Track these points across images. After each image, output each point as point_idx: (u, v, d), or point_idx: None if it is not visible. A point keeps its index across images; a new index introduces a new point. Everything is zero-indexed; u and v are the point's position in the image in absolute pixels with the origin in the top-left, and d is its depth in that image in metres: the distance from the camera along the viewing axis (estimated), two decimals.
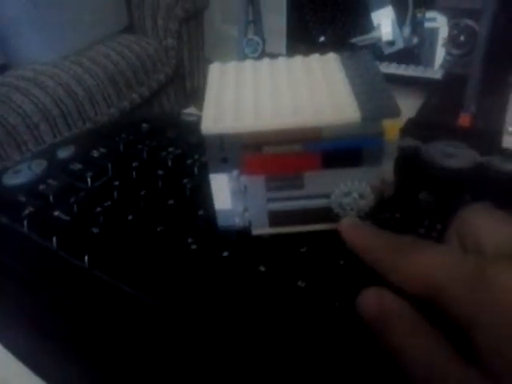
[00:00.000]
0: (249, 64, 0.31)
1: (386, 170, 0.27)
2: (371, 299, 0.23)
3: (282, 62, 0.31)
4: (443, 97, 0.60)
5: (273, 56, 0.33)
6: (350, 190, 0.27)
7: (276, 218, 0.28)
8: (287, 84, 0.28)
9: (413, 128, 0.52)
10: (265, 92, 0.28)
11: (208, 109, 0.27)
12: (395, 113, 0.25)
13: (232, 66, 0.31)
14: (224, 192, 0.27)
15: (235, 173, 0.27)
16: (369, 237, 0.25)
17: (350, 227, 0.27)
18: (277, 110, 0.26)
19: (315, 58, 0.31)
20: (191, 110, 0.56)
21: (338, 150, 0.26)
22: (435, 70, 0.61)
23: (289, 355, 0.23)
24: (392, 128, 0.25)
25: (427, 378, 0.19)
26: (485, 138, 0.50)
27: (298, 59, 0.31)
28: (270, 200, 0.28)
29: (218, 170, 0.27)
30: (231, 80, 0.29)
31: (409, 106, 0.59)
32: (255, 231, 0.29)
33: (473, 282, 0.19)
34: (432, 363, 0.19)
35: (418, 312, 0.21)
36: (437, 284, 0.21)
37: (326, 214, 0.28)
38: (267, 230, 0.29)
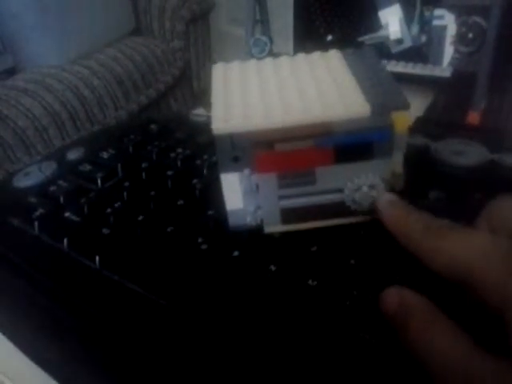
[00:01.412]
0: (252, 63, 0.31)
1: (397, 162, 0.27)
2: (392, 295, 0.23)
3: (284, 60, 0.31)
4: (452, 95, 0.60)
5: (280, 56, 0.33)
6: (362, 183, 0.27)
7: (288, 215, 0.28)
8: (292, 81, 0.28)
9: (422, 126, 0.52)
10: (271, 90, 0.28)
11: (217, 109, 0.27)
12: (404, 105, 0.26)
13: (235, 65, 0.31)
14: (235, 192, 0.27)
15: (247, 171, 0.27)
16: (405, 217, 0.25)
17: (387, 205, 0.27)
18: (286, 107, 0.26)
19: (317, 55, 0.31)
20: (200, 110, 0.56)
21: (349, 145, 0.26)
22: (444, 67, 0.61)
23: (300, 354, 0.23)
24: (401, 120, 0.26)
25: (445, 372, 0.19)
26: (494, 135, 0.50)
27: (301, 57, 0.31)
28: (282, 197, 0.28)
29: (229, 170, 0.27)
30: (236, 79, 0.29)
31: (418, 104, 0.59)
32: (267, 229, 0.29)
33: (509, 265, 0.20)
34: (449, 357, 0.19)
35: (437, 307, 0.21)
36: (473, 267, 0.21)
37: (339, 209, 0.28)
38: (280, 228, 0.29)
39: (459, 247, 0.22)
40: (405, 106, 0.25)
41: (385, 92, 0.26)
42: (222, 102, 0.27)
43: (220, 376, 0.23)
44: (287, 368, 0.23)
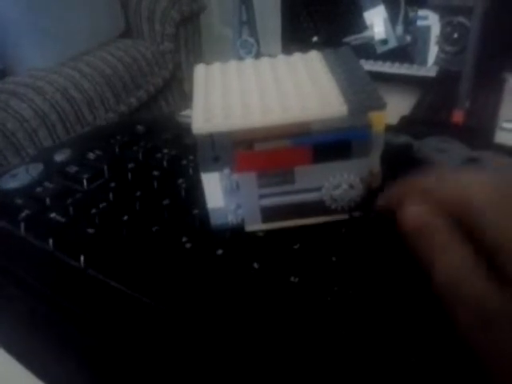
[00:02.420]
0: (233, 64, 0.32)
1: (374, 160, 0.28)
2: (416, 212, 0.23)
3: (265, 61, 0.32)
4: (437, 94, 0.60)
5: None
6: (340, 182, 0.28)
7: (269, 214, 0.29)
8: (272, 82, 0.29)
9: (407, 125, 0.53)
10: (251, 90, 0.28)
11: (197, 109, 0.27)
12: (381, 105, 0.26)
13: (216, 67, 0.32)
14: (216, 191, 0.28)
15: (227, 171, 0.27)
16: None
17: None
18: (265, 107, 0.26)
19: (298, 56, 0.32)
20: (188, 112, 0.56)
21: (327, 144, 0.26)
22: (429, 67, 0.62)
23: (283, 348, 0.24)
24: (378, 120, 0.26)
25: (452, 290, 0.20)
26: (478, 133, 0.51)
27: (281, 58, 0.32)
28: (262, 196, 0.28)
29: (209, 169, 0.27)
30: (217, 80, 0.30)
31: (404, 103, 0.60)
32: (248, 228, 0.29)
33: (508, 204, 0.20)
34: (457, 275, 0.20)
35: (456, 229, 0.22)
36: (472, 199, 0.21)
37: (318, 207, 0.28)
38: (260, 226, 0.29)
39: (464, 183, 0.22)
40: (381, 106, 0.26)
41: (362, 92, 0.27)
42: (203, 103, 0.27)
43: (204, 370, 0.24)
44: (270, 362, 0.23)
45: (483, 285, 0.20)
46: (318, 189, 0.28)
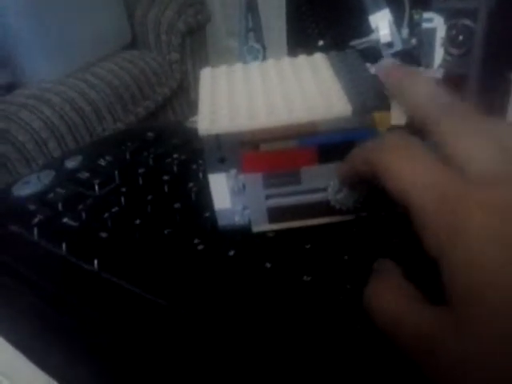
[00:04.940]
0: (239, 67, 0.32)
1: None
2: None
3: (270, 63, 0.32)
4: None
5: None
6: None
7: (275, 215, 0.29)
8: (278, 83, 0.29)
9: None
10: (257, 92, 0.28)
11: (203, 111, 0.27)
12: (385, 105, 0.26)
13: (222, 69, 0.32)
14: (223, 191, 0.28)
15: (233, 172, 0.27)
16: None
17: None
18: (270, 108, 0.27)
19: (303, 58, 0.32)
20: (195, 118, 0.56)
21: (333, 144, 0.26)
22: (435, 69, 0.62)
23: (295, 348, 0.24)
24: (383, 119, 0.26)
25: (399, 331, 0.20)
26: None
27: (286, 60, 0.32)
28: (268, 197, 0.28)
29: (216, 170, 0.27)
30: (223, 83, 0.30)
31: None
32: (255, 228, 0.30)
33: (454, 200, 0.18)
34: (399, 314, 0.20)
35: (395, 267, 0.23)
36: (412, 197, 0.19)
37: (324, 208, 0.28)
38: (267, 227, 0.29)
39: (405, 170, 0.20)
40: (386, 106, 0.26)
41: (367, 93, 0.27)
42: (209, 105, 0.28)
43: (219, 373, 0.24)
44: (284, 361, 0.23)
45: (419, 317, 0.19)
46: (324, 189, 0.28)
